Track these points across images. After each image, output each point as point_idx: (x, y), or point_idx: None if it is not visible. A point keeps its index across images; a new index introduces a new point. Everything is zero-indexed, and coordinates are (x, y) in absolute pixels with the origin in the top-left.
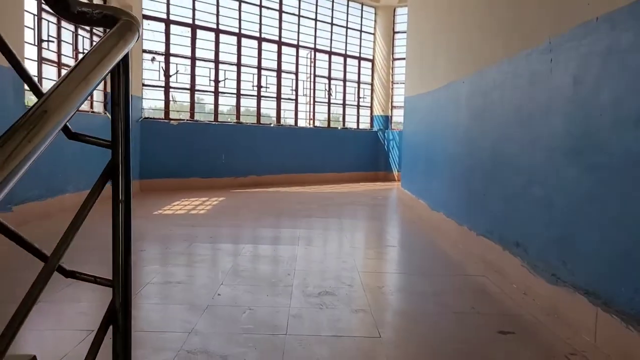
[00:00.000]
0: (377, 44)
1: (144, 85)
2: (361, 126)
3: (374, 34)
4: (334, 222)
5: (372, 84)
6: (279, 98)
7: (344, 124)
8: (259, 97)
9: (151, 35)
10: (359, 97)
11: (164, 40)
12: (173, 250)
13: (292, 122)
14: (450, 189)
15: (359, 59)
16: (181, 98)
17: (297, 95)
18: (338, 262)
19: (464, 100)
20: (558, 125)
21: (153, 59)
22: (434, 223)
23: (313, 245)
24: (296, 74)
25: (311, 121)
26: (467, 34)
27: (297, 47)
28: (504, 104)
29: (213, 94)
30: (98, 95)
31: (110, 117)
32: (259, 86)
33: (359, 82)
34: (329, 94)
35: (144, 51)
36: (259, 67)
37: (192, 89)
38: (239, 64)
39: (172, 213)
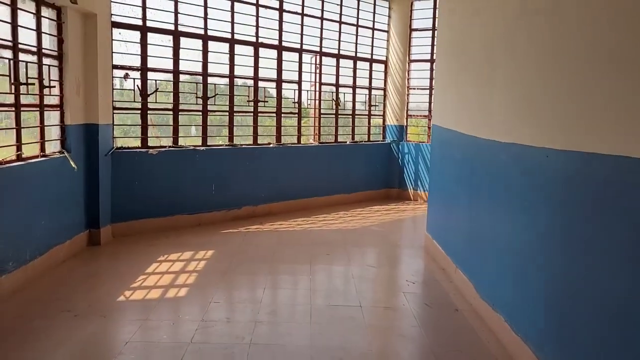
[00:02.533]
0: (391, 44)
1: (115, 109)
2: (372, 138)
3: (387, 31)
4: (350, 333)
5: (384, 90)
6: (279, 113)
7: (353, 138)
8: (255, 113)
9: (123, 46)
10: (370, 106)
11: (139, 52)
12: None
13: (294, 139)
14: (523, 292)
15: (371, 61)
16: (162, 121)
17: (300, 107)
18: None
19: (546, 186)
20: None
21: (126, 76)
22: (486, 323)
23: None
24: (299, 82)
25: (316, 137)
26: (568, 73)
27: (301, 51)
28: None
29: (201, 113)
30: (52, 132)
31: (70, 157)
32: (256, 100)
33: (370, 88)
34: (337, 104)
35: (115, 67)
36: (256, 78)
37: (175, 110)
38: (231, 76)
39: (143, 298)
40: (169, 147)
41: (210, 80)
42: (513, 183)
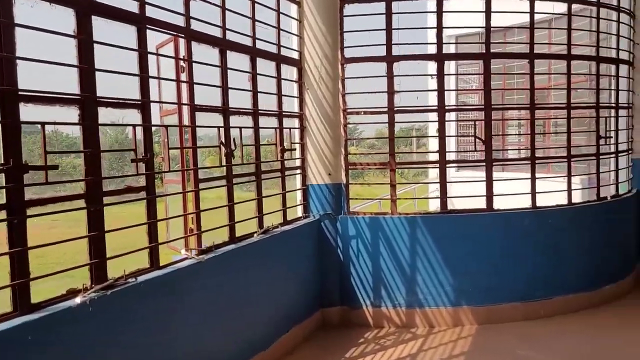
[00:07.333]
0: (306, 31)
1: None
2: (290, 215)
3: (299, 2)
4: None
5: (301, 117)
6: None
7: (261, 224)
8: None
9: None
10: (283, 151)
11: None
12: None
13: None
14: None
15: (278, 60)
16: None
17: (150, 157)
18: None
19: None
20: None
21: None
22: None
23: None
24: (142, 105)
25: (193, 238)
26: None
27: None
28: None
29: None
30: None
31: None
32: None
33: (280, 115)
34: (229, 153)
35: None
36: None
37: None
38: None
39: None
40: None
41: None
42: None
